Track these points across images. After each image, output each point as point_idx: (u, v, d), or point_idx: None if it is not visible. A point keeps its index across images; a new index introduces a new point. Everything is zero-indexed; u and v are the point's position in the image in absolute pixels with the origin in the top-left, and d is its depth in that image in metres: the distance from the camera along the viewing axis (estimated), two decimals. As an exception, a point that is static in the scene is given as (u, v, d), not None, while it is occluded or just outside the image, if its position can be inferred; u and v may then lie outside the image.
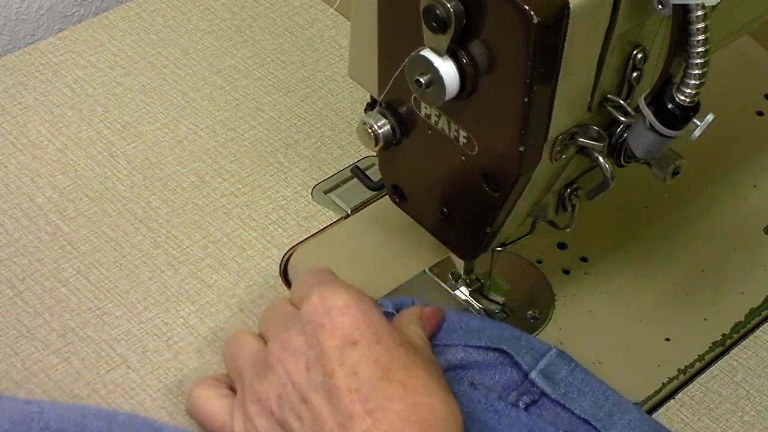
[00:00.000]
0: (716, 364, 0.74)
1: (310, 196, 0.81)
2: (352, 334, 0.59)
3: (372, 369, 0.58)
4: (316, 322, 0.60)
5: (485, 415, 0.65)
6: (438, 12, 0.56)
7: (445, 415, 0.58)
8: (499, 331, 0.68)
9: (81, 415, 0.61)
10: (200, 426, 0.65)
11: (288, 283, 0.76)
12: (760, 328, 0.76)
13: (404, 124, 0.66)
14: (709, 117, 0.60)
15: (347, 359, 0.58)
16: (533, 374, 0.67)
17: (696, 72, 0.57)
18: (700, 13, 0.55)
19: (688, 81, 0.58)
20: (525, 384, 0.67)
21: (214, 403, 0.64)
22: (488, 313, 0.74)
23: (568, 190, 0.68)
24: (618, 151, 0.64)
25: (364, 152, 0.83)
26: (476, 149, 0.62)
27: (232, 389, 0.65)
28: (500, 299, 0.72)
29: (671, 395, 0.72)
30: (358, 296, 0.61)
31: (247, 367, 0.63)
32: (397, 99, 0.65)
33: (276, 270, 0.76)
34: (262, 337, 0.64)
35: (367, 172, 0.77)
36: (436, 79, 0.58)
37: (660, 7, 0.56)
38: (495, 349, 0.67)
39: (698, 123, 0.60)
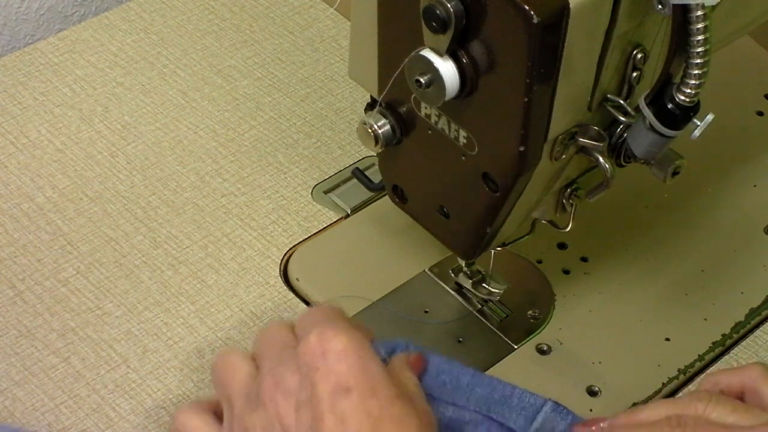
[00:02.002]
0: (716, 364, 0.74)
1: (310, 196, 0.81)
2: (347, 382, 0.58)
3: (361, 421, 0.57)
4: (311, 365, 0.58)
5: None
6: (438, 12, 0.56)
7: None
8: (489, 389, 0.65)
9: None
10: None
11: (288, 283, 0.76)
12: (760, 328, 0.76)
13: (404, 124, 0.66)
14: (709, 117, 0.60)
15: (338, 407, 0.57)
16: None
17: (696, 72, 0.57)
18: (700, 13, 0.55)
19: (688, 81, 0.58)
20: None
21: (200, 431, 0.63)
22: (488, 306, 0.74)
23: (568, 190, 0.68)
24: (618, 151, 0.64)
25: (364, 152, 0.83)
26: (476, 149, 0.62)
27: (217, 414, 0.64)
28: (501, 288, 0.72)
29: (671, 395, 0.72)
30: (358, 342, 0.59)
31: (237, 397, 0.62)
32: (397, 99, 0.65)
33: (276, 270, 0.76)
34: (255, 360, 0.63)
35: (367, 173, 0.77)
36: (436, 79, 0.58)
37: (660, 7, 0.56)
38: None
39: (698, 123, 0.60)
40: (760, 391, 0.65)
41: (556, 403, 0.65)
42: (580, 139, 0.62)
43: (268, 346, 0.62)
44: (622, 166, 0.65)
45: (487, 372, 0.70)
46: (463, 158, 0.63)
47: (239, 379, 0.62)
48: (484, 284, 0.73)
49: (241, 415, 0.60)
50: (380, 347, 0.63)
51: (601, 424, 0.64)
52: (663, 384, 0.72)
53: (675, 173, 0.64)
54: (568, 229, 0.70)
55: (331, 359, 0.58)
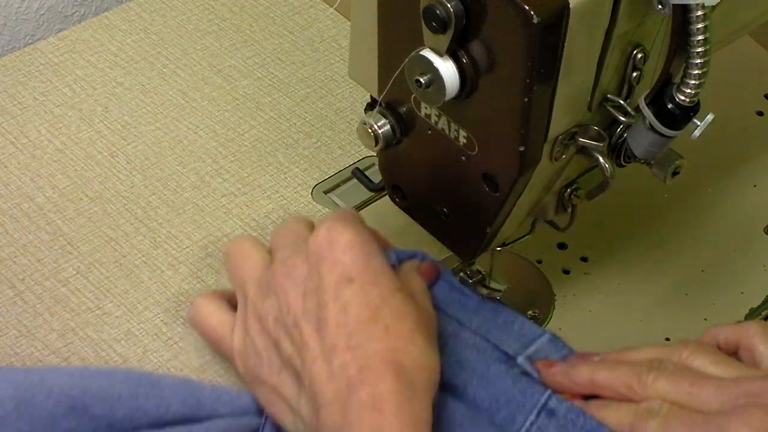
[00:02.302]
0: (716, 364, 0.74)
1: (310, 196, 0.81)
2: (350, 272, 0.61)
3: (361, 309, 0.61)
4: (319, 255, 0.62)
5: (475, 363, 0.66)
6: (438, 12, 0.56)
7: (421, 363, 0.60)
8: (494, 314, 0.67)
9: (80, 377, 0.64)
10: (200, 336, 0.69)
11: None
12: (760, 328, 0.76)
13: (404, 124, 0.66)
14: (709, 117, 0.60)
15: (341, 295, 0.61)
16: (520, 359, 0.66)
17: (696, 72, 0.57)
18: (700, 13, 0.55)
19: (688, 81, 0.58)
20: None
21: (216, 316, 0.67)
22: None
23: (568, 190, 0.68)
24: (618, 151, 0.64)
25: (364, 152, 0.83)
26: (476, 149, 0.62)
27: (231, 304, 0.68)
28: (502, 287, 0.72)
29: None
30: (364, 237, 0.63)
31: (251, 284, 0.65)
32: (397, 99, 0.65)
33: (276, 270, 0.76)
34: (270, 252, 0.66)
35: (367, 173, 0.77)
36: (436, 79, 0.58)
37: (660, 7, 0.56)
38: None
39: (698, 123, 0.60)
40: (754, 348, 0.66)
41: (554, 335, 0.67)
42: (580, 139, 0.62)
43: (284, 237, 0.66)
44: (622, 166, 0.65)
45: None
46: (463, 158, 0.63)
47: (253, 267, 0.66)
48: (483, 284, 0.73)
49: (254, 303, 0.64)
50: (393, 253, 0.66)
51: (594, 358, 0.67)
52: (663, 384, 0.72)
53: (675, 173, 0.64)
54: (568, 229, 0.71)
55: (338, 251, 0.62)
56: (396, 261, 0.67)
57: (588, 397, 0.65)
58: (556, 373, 0.66)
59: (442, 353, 0.64)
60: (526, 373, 0.65)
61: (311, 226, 0.66)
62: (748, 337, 0.66)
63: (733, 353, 0.66)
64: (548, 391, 0.64)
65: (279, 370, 0.63)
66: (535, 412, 0.64)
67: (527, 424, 0.64)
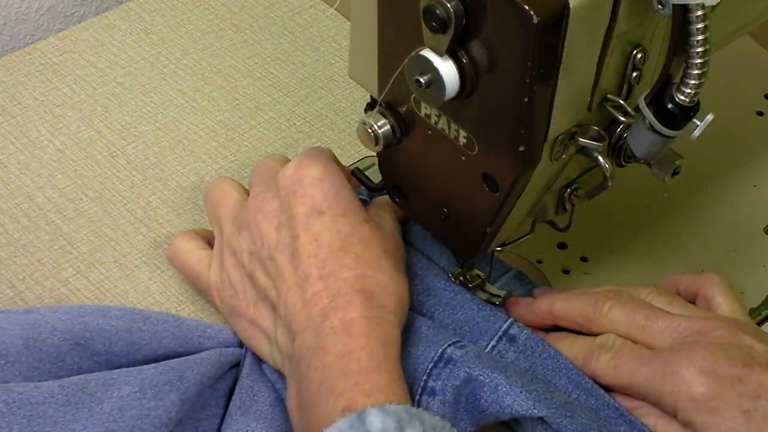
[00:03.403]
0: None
1: (310, 196, 0.81)
2: (320, 205, 0.65)
3: (332, 239, 0.64)
4: (289, 189, 0.65)
5: (442, 292, 0.70)
6: (438, 12, 0.56)
7: (389, 288, 0.64)
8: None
9: (79, 314, 0.66)
10: (179, 272, 0.73)
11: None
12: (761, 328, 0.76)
13: (404, 124, 0.66)
14: (709, 117, 0.60)
15: (312, 226, 0.64)
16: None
17: (696, 72, 0.57)
18: (699, 13, 0.55)
19: (687, 81, 0.58)
20: None
21: (193, 254, 0.71)
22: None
23: (568, 190, 0.68)
24: (618, 151, 0.64)
25: (364, 152, 0.83)
26: (476, 149, 0.62)
27: (209, 243, 0.72)
28: (501, 293, 0.72)
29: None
30: (332, 171, 0.66)
31: (226, 220, 0.69)
32: (397, 99, 0.65)
33: (276, 270, 0.76)
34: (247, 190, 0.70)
35: (367, 173, 0.77)
36: (436, 79, 0.58)
37: (660, 7, 0.56)
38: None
39: (698, 123, 0.60)
40: (711, 298, 0.69)
41: (520, 272, 0.74)
42: (580, 139, 0.62)
43: (259, 174, 0.70)
44: (622, 166, 0.65)
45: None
46: (463, 158, 0.63)
47: (228, 204, 0.70)
48: (483, 289, 0.73)
49: (229, 238, 0.68)
50: (364, 191, 0.72)
51: (556, 293, 0.71)
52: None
53: (675, 173, 0.64)
54: (568, 229, 0.71)
55: (307, 184, 0.65)
56: (367, 196, 0.72)
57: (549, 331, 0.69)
58: (520, 307, 0.70)
59: (411, 282, 0.68)
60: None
61: (286, 162, 0.69)
62: (706, 287, 0.69)
63: (690, 302, 0.69)
64: (510, 319, 0.69)
65: (255, 301, 0.66)
66: (496, 337, 0.68)
67: (488, 348, 0.68)
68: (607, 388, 0.66)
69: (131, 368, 0.65)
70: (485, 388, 0.63)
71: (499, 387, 0.63)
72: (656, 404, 0.63)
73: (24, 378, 0.63)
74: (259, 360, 0.68)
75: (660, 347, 0.64)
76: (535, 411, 0.62)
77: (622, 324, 0.66)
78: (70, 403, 0.62)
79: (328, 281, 0.63)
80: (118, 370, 0.65)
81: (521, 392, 0.63)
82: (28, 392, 0.61)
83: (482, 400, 0.63)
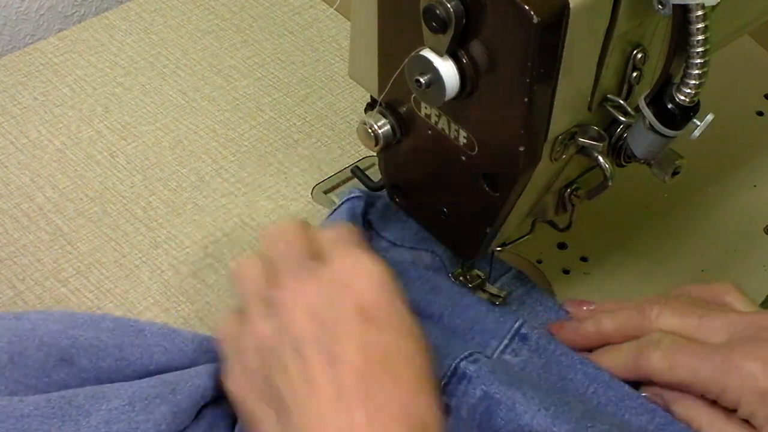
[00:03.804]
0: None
1: (310, 196, 0.81)
2: (371, 309, 0.58)
3: (378, 352, 0.57)
4: (343, 285, 0.58)
5: (450, 292, 0.70)
6: (438, 12, 0.56)
7: (426, 419, 0.57)
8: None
9: (71, 326, 0.64)
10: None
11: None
12: (760, 328, 0.76)
13: (404, 124, 0.66)
14: (709, 117, 0.60)
15: (358, 331, 0.57)
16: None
17: (696, 72, 0.57)
18: (700, 13, 0.55)
19: (687, 81, 0.58)
20: None
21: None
22: None
23: (568, 190, 0.68)
24: (618, 151, 0.64)
25: (364, 152, 0.83)
26: (476, 149, 0.62)
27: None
28: (501, 293, 0.72)
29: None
30: (387, 275, 0.59)
31: (254, 299, 0.61)
32: (397, 99, 0.65)
33: (276, 270, 0.76)
34: (268, 262, 0.62)
35: (367, 173, 0.77)
36: (436, 79, 0.58)
37: (660, 7, 0.56)
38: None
39: (698, 123, 0.60)
40: (729, 305, 0.67)
41: (520, 271, 0.74)
42: (580, 139, 0.62)
43: (286, 248, 0.62)
44: (622, 166, 0.65)
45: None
46: (463, 158, 0.63)
47: (255, 280, 0.61)
48: (483, 289, 0.73)
49: (253, 318, 0.60)
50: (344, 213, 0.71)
51: (591, 306, 0.70)
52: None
53: (675, 173, 0.64)
54: (568, 229, 0.71)
55: (364, 285, 0.58)
56: (365, 195, 0.71)
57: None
58: (567, 332, 0.68)
59: (417, 282, 0.67)
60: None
61: (311, 237, 0.63)
62: (721, 295, 0.68)
63: None
64: (521, 319, 0.68)
65: (262, 396, 0.59)
66: (508, 336, 0.67)
67: (501, 347, 0.67)
68: (661, 385, 0.65)
69: (122, 382, 0.63)
70: (502, 406, 0.62)
71: (517, 405, 0.62)
72: (717, 399, 0.63)
73: (9, 393, 0.62)
74: None
75: (715, 343, 0.64)
76: (555, 429, 0.61)
77: (675, 326, 0.65)
78: (57, 416, 0.61)
79: (369, 403, 0.55)
80: (107, 384, 0.63)
81: (539, 410, 0.62)
82: (13, 405, 0.61)
83: (499, 419, 0.62)
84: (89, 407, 0.61)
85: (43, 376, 0.63)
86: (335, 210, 0.73)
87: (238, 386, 0.61)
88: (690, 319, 0.65)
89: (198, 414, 0.64)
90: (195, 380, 0.63)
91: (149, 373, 0.64)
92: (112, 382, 0.64)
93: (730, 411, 0.63)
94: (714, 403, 0.63)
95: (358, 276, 0.58)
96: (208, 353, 0.66)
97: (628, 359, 0.65)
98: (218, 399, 0.64)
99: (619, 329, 0.67)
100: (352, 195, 0.72)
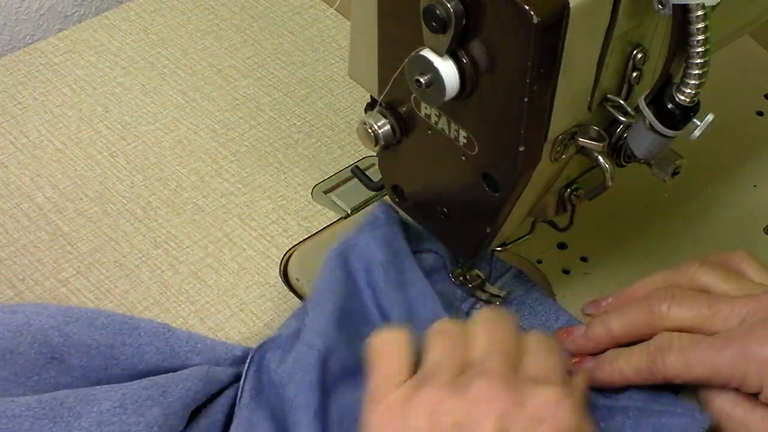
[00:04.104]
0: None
1: (310, 196, 0.81)
2: None
3: None
4: (539, 417, 0.57)
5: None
6: (438, 12, 0.56)
7: None
8: None
9: (64, 322, 0.65)
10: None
11: (288, 283, 0.76)
12: (760, 328, 0.76)
13: (404, 123, 0.66)
14: (709, 117, 0.60)
15: None
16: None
17: (696, 72, 0.57)
18: (700, 13, 0.55)
19: (688, 81, 0.58)
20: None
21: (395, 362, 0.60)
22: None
23: (568, 190, 0.68)
24: (618, 151, 0.64)
25: (364, 152, 0.83)
26: (476, 149, 0.62)
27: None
28: (501, 293, 0.72)
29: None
30: (580, 404, 0.59)
31: (448, 365, 0.59)
32: (397, 99, 0.65)
33: (276, 270, 0.76)
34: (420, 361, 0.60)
35: (367, 172, 0.77)
36: (436, 79, 0.58)
37: (660, 7, 0.56)
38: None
39: (698, 123, 0.60)
40: (742, 271, 0.68)
41: (520, 271, 0.74)
42: (580, 139, 0.62)
43: (445, 358, 0.60)
44: (622, 166, 0.65)
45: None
46: (463, 158, 0.63)
47: (390, 377, 0.59)
48: (482, 289, 0.73)
49: (437, 386, 0.58)
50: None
51: (607, 301, 0.70)
52: (663, 384, 0.72)
53: (675, 173, 0.64)
54: (568, 229, 0.71)
55: (561, 415, 0.57)
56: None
57: None
58: (576, 338, 0.68)
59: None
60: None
61: (463, 336, 0.60)
62: (736, 262, 0.68)
63: None
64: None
65: None
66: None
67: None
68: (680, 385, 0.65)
69: (113, 384, 0.64)
70: None
71: None
72: (739, 387, 0.63)
73: (0, 390, 0.63)
74: (259, 386, 0.66)
75: (727, 331, 0.63)
76: None
77: (686, 320, 0.64)
78: (48, 417, 0.61)
79: None
80: (99, 386, 0.63)
81: None
82: (5, 405, 0.61)
83: None
84: (80, 409, 0.61)
85: (33, 375, 0.64)
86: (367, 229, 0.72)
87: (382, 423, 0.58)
88: (700, 309, 0.64)
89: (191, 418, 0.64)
90: (186, 383, 0.64)
91: (138, 373, 0.65)
92: (100, 380, 0.65)
93: (754, 396, 0.63)
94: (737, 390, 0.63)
95: (561, 410, 0.57)
96: (201, 354, 0.66)
97: (641, 365, 0.64)
98: (208, 402, 0.65)
99: (630, 330, 0.66)
100: (378, 222, 0.71)
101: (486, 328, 0.61)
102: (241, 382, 0.66)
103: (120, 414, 0.61)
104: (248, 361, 0.67)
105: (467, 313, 0.72)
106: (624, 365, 0.65)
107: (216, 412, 0.65)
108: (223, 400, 0.66)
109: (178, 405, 0.63)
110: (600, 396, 0.66)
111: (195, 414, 0.65)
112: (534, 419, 0.56)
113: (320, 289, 0.68)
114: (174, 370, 0.66)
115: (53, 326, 0.65)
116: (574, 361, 0.68)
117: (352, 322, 0.67)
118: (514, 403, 0.57)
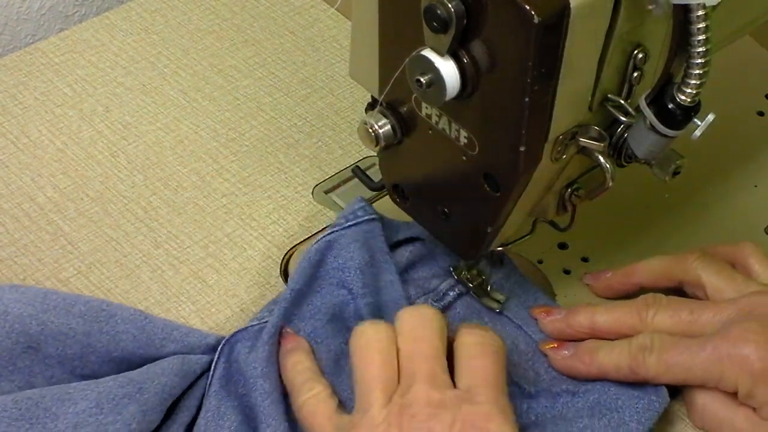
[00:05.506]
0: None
1: (311, 195, 0.81)
2: None
3: None
4: (468, 423, 0.58)
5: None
6: (439, 12, 0.56)
7: None
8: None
9: (42, 310, 0.66)
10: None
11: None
12: (761, 328, 0.76)
13: (405, 123, 0.66)
14: (710, 117, 0.60)
15: None
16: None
17: (696, 72, 0.57)
18: (700, 13, 0.55)
19: (688, 81, 0.58)
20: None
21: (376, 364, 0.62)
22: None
23: (569, 190, 0.68)
24: (619, 151, 0.64)
25: (364, 152, 0.83)
26: (477, 149, 0.62)
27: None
28: (502, 297, 0.72)
29: (672, 395, 0.72)
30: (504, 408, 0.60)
31: (377, 398, 0.61)
32: (397, 99, 0.65)
33: (276, 270, 0.76)
34: (397, 354, 0.62)
35: (367, 172, 0.77)
36: (437, 79, 0.58)
37: (652, 6, 0.56)
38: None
39: (699, 123, 0.60)
40: (750, 267, 0.70)
41: (521, 276, 0.74)
42: (581, 139, 0.62)
43: (422, 360, 0.61)
44: (622, 166, 0.65)
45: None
46: (464, 158, 0.63)
47: (376, 377, 0.61)
48: (483, 289, 0.73)
49: (374, 408, 0.60)
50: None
51: (607, 274, 0.72)
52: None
53: (676, 173, 0.64)
54: (568, 229, 0.71)
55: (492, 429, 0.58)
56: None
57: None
58: (555, 320, 0.69)
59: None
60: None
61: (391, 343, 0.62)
62: (743, 256, 0.70)
63: None
64: None
65: None
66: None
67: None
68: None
69: (89, 381, 0.64)
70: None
71: None
72: (716, 387, 0.64)
73: None
74: (228, 375, 0.67)
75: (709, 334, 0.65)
76: None
77: (668, 326, 0.66)
78: (24, 418, 0.61)
79: None
80: (74, 384, 0.64)
81: None
82: None
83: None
84: (56, 410, 0.62)
85: (9, 365, 0.64)
86: (344, 226, 0.72)
87: None
88: (683, 315, 0.66)
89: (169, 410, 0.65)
90: (161, 378, 0.64)
91: (112, 359, 0.66)
92: (74, 368, 0.65)
93: (732, 395, 0.64)
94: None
95: (490, 424, 0.58)
96: (176, 342, 0.67)
97: (621, 363, 0.66)
98: (184, 393, 0.66)
99: (614, 327, 0.68)
100: (360, 219, 0.72)
101: (410, 337, 0.62)
102: (211, 371, 0.67)
103: (96, 414, 0.62)
104: (218, 350, 0.68)
105: (444, 294, 0.72)
106: (604, 360, 0.67)
107: (191, 400, 0.66)
108: (197, 391, 0.67)
109: (155, 400, 0.63)
110: (563, 381, 0.68)
111: (172, 404, 0.66)
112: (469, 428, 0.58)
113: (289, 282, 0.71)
114: (148, 358, 0.66)
115: (31, 314, 0.65)
116: (550, 345, 0.69)
117: (319, 312, 0.70)
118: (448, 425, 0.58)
